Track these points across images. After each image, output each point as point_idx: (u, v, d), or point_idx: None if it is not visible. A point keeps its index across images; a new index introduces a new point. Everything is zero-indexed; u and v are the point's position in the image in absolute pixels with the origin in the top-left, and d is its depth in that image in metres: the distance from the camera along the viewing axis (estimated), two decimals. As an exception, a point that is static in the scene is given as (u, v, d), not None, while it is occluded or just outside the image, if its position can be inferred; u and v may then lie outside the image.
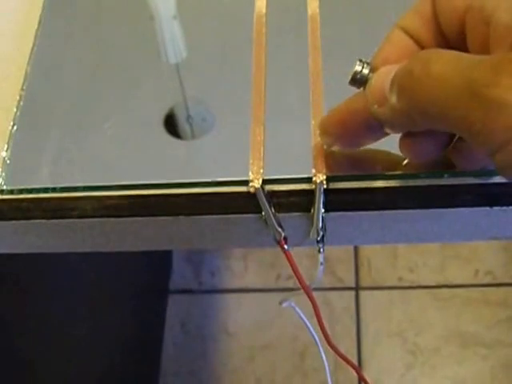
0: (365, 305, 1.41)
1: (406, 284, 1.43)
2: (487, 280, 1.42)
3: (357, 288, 1.43)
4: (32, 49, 0.50)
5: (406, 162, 0.40)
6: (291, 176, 0.41)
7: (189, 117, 0.49)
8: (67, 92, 0.48)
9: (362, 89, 0.36)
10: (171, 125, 0.47)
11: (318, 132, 0.40)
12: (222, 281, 1.49)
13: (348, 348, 1.36)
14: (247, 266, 1.49)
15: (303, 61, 0.46)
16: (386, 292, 1.42)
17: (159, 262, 1.49)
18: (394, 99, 0.33)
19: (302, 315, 0.48)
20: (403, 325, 1.39)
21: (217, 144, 0.45)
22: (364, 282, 1.43)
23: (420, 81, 0.31)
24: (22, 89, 0.47)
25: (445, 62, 0.30)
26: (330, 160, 0.40)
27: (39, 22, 0.51)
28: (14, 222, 0.43)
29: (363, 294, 1.42)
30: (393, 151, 0.39)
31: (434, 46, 0.36)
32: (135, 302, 1.26)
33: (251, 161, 0.41)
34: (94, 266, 1.00)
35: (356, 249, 1.47)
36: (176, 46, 0.49)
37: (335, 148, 0.40)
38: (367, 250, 1.46)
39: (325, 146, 0.40)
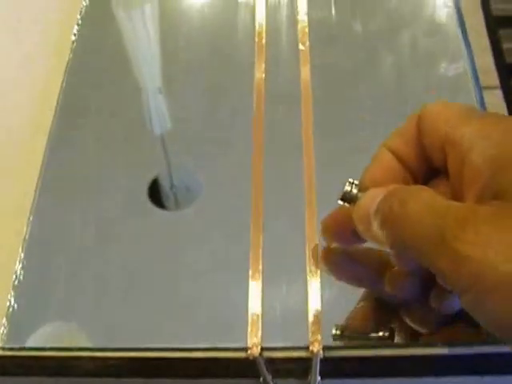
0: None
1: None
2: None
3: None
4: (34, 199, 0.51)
5: (396, 268, 0.40)
6: (289, 345, 0.42)
7: (172, 186, 0.50)
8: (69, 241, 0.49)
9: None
10: (155, 194, 0.49)
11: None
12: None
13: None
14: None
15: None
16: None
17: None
18: (376, 227, 0.34)
19: None
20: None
21: (204, 215, 0.48)
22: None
23: (398, 217, 0.32)
24: (23, 237, 0.48)
25: (420, 203, 0.31)
26: (326, 256, 0.42)
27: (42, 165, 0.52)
28: (15, 378, 0.44)
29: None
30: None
31: (417, 167, 0.37)
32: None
33: (250, 328, 0.42)
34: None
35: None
36: (161, 117, 0.50)
37: (334, 245, 0.41)
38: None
39: (324, 243, 0.42)
